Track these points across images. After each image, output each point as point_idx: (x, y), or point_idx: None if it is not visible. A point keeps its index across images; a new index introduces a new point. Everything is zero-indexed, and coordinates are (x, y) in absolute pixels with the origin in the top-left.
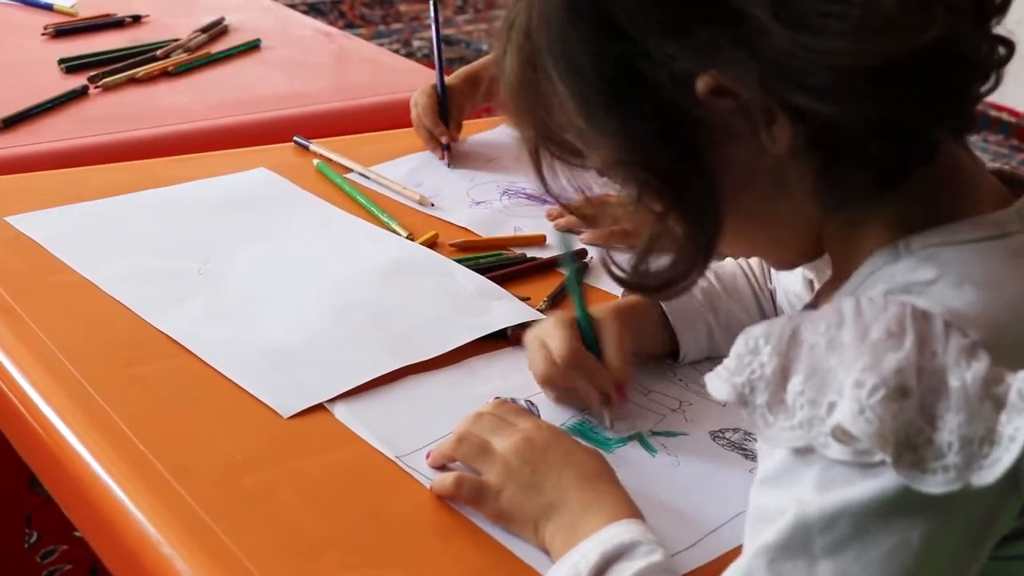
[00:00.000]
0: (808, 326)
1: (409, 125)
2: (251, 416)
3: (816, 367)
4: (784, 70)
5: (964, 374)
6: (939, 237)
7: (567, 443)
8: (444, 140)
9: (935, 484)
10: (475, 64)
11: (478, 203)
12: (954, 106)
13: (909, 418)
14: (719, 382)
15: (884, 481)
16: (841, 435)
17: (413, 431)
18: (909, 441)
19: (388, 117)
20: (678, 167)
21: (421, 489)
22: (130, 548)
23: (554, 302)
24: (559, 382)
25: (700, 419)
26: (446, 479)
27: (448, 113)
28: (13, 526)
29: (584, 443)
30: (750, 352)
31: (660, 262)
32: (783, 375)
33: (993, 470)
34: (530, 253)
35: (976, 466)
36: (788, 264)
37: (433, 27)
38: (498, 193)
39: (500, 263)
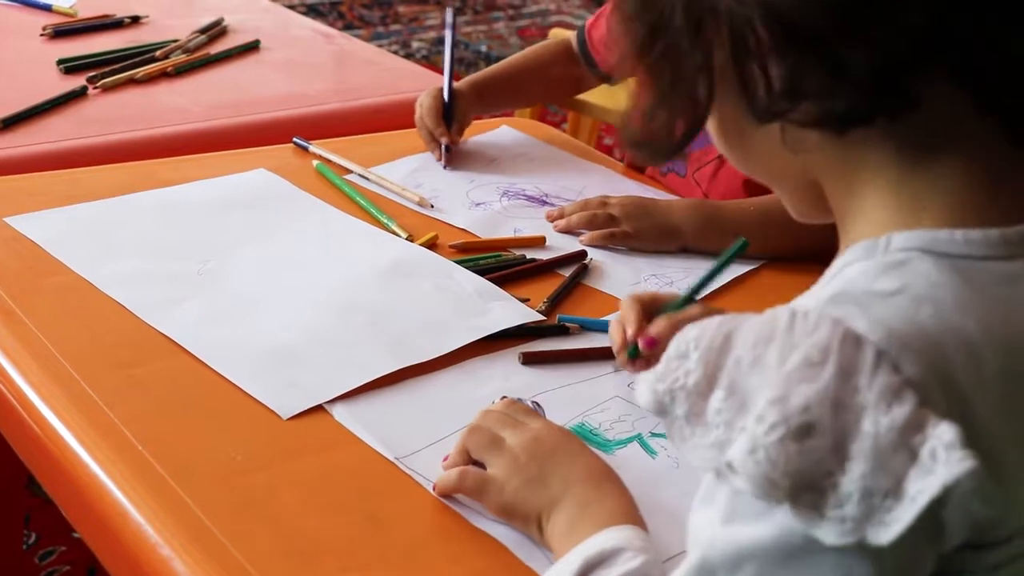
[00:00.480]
0: (741, 335)
1: (408, 126)
2: (250, 417)
3: (737, 385)
4: None
5: (880, 419)
6: (922, 242)
7: (576, 444)
8: (444, 141)
9: (830, 533)
10: (483, 73)
11: (478, 204)
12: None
13: (817, 457)
14: (644, 387)
15: (788, 520)
16: (733, 470)
17: (413, 433)
18: (813, 482)
19: (387, 118)
20: (660, 25)
21: (421, 491)
22: (129, 550)
23: (554, 304)
24: (615, 322)
25: None
26: (450, 474)
27: (452, 117)
28: (12, 527)
29: (589, 448)
30: (679, 356)
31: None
32: (707, 386)
33: (890, 529)
34: (530, 254)
35: (876, 520)
36: (797, 211)
37: (448, 33)
38: (498, 194)
39: (500, 264)
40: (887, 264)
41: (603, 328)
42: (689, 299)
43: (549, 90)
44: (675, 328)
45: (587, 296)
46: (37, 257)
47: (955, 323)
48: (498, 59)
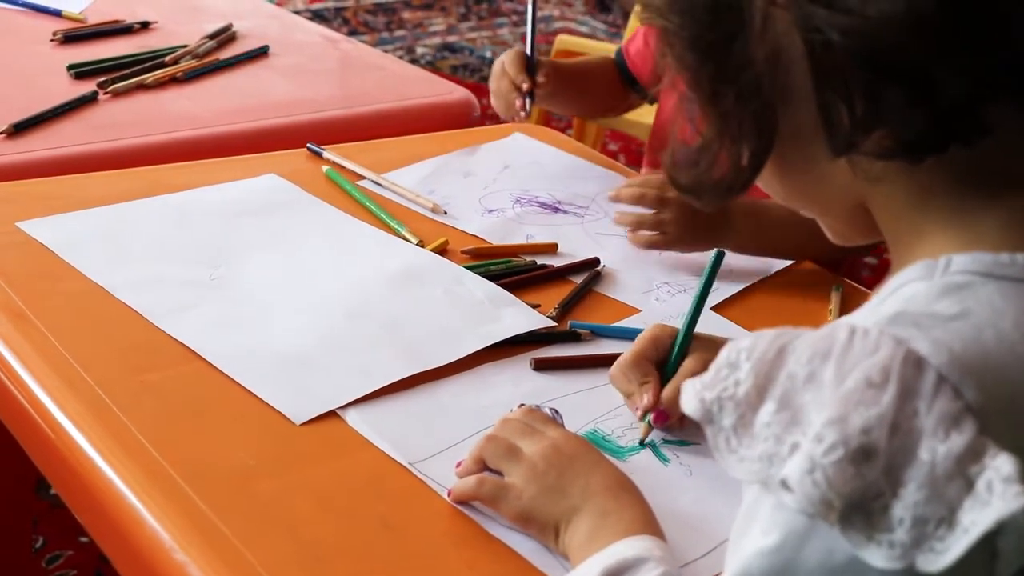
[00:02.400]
0: (796, 349)
1: (419, 131)
2: (264, 422)
3: (790, 399)
4: None
5: (937, 447)
6: (983, 265)
7: (594, 454)
8: (526, 87)
9: (878, 557)
10: (558, 60)
11: (491, 211)
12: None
13: (871, 480)
14: (690, 394)
15: (833, 539)
16: (787, 488)
17: (425, 438)
18: (864, 504)
19: (397, 124)
20: (722, 57)
21: (435, 497)
22: (144, 554)
23: (565, 310)
24: (617, 383)
25: None
26: (468, 480)
27: (535, 68)
28: (20, 531)
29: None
30: (729, 365)
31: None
32: (757, 398)
33: (941, 558)
34: (542, 261)
35: (926, 547)
36: (839, 234)
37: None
38: (510, 201)
39: (510, 270)
40: (947, 286)
41: (615, 334)
42: (687, 338)
43: (605, 102)
44: None
45: (599, 303)
46: (49, 262)
47: (1018, 350)
48: None
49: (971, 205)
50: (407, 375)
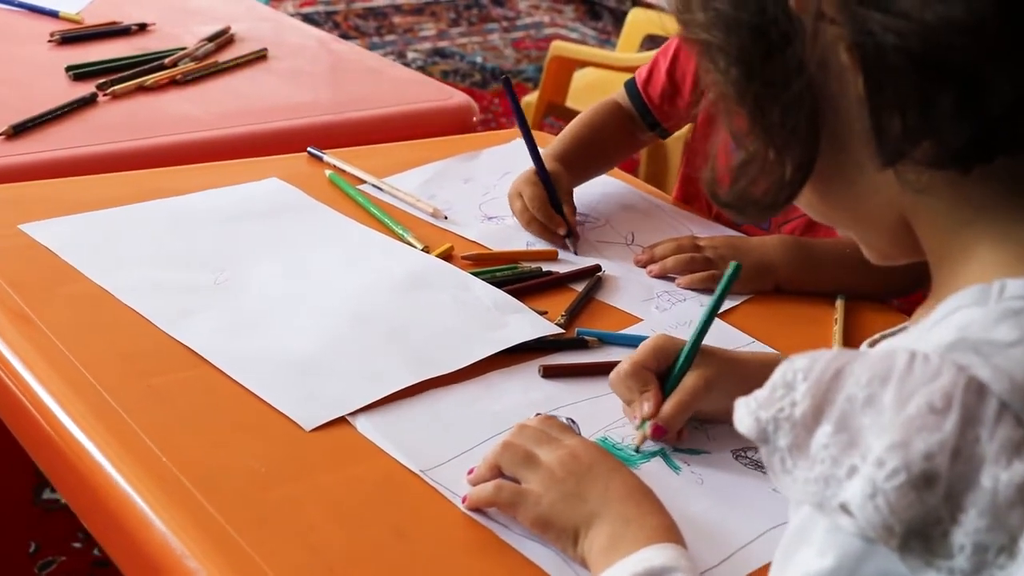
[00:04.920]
0: (854, 371)
1: (417, 136)
2: (273, 429)
3: (848, 422)
4: None
5: (1000, 474)
6: None
7: (612, 461)
8: (563, 231)
9: None
10: (562, 144)
11: (490, 218)
12: None
13: (930, 506)
14: (744, 412)
15: (890, 563)
16: (847, 512)
17: (436, 445)
18: (923, 529)
19: (395, 129)
20: (767, 71)
21: (447, 504)
22: (154, 561)
23: (571, 317)
24: (617, 390)
25: (722, 437)
26: (485, 487)
27: (559, 199)
28: (17, 537)
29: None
30: (785, 385)
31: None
32: (814, 419)
33: None
34: (543, 267)
35: (986, 575)
36: (880, 254)
37: (515, 107)
38: (510, 209)
39: (516, 276)
40: (1004, 312)
41: (621, 342)
42: (693, 351)
43: (622, 154)
44: (682, 412)
45: (600, 310)
46: (52, 265)
47: None
48: (493, 71)
49: (1020, 221)
50: (416, 381)
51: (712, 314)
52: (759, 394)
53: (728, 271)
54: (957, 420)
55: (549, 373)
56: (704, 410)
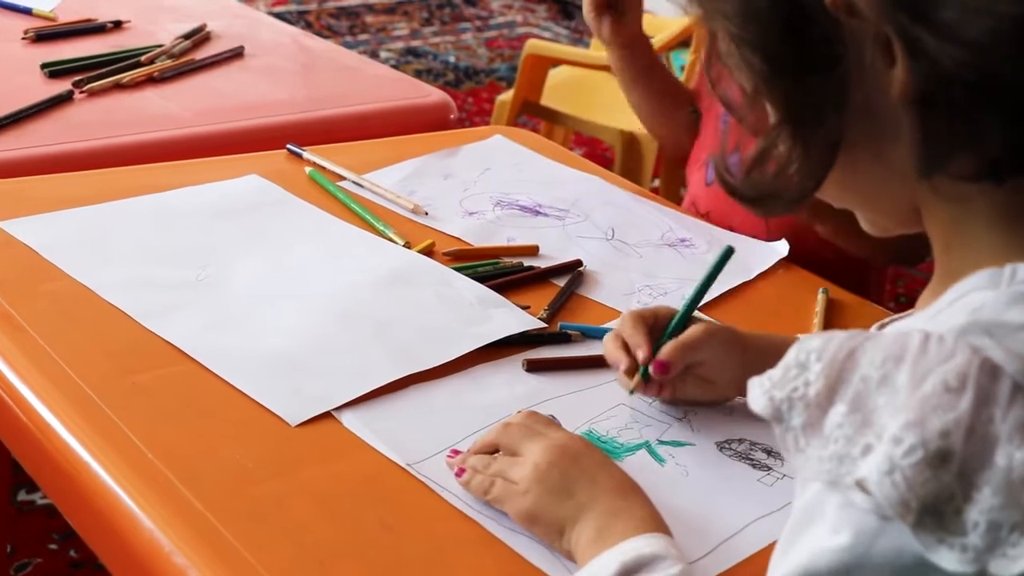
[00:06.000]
0: (867, 351)
1: (396, 133)
2: (258, 425)
3: (862, 402)
4: None
5: (1014, 453)
6: None
7: (598, 454)
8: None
9: (950, 560)
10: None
11: (471, 213)
12: None
13: (944, 483)
14: (758, 392)
15: (903, 539)
16: (863, 489)
17: (423, 439)
18: (936, 507)
19: (374, 126)
20: (796, 64)
21: (434, 498)
22: (143, 559)
23: (554, 312)
24: (610, 340)
25: (706, 429)
26: (477, 481)
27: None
28: None
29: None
30: (799, 366)
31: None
32: (827, 399)
33: (1015, 563)
34: (524, 263)
35: (999, 552)
36: (880, 227)
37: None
38: (491, 204)
39: (498, 272)
40: (1015, 296)
41: (604, 336)
42: (687, 314)
43: (664, 102)
44: (684, 351)
45: (581, 305)
46: (33, 262)
47: None
48: (467, 70)
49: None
50: (401, 376)
51: (706, 285)
52: (772, 374)
53: (720, 252)
54: (972, 399)
55: (533, 367)
56: (690, 392)
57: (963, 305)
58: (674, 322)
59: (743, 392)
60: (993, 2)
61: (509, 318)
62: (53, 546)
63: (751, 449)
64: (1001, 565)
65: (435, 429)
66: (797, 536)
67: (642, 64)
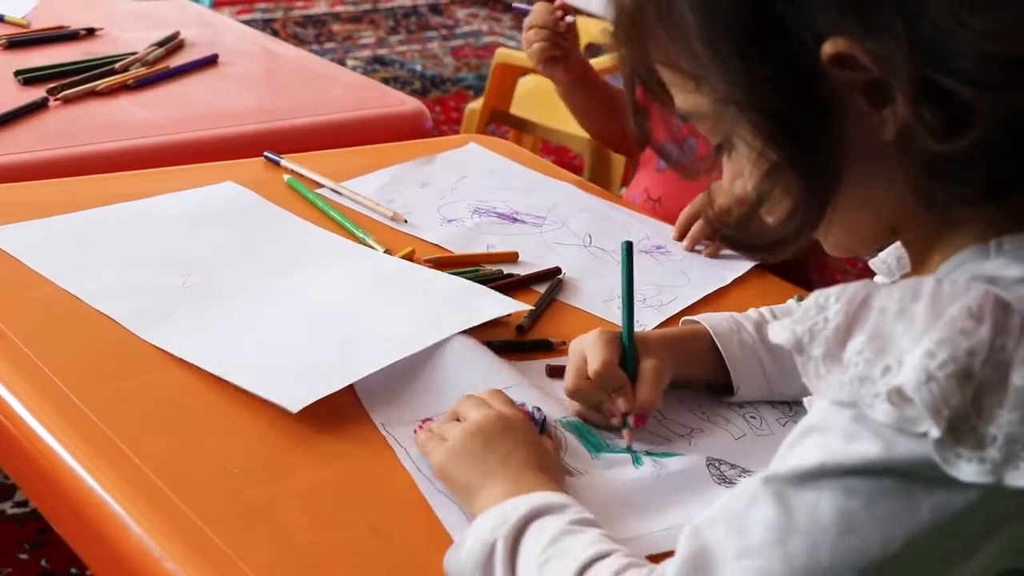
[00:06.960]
0: (882, 293)
1: (372, 141)
2: (244, 429)
3: (880, 331)
4: (933, 47)
5: None
6: None
7: (532, 436)
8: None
9: (968, 472)
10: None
11: (450, 221)
12: None
13: (966, 399)
14: (780, 327)
15: (915, 448)
16: (895, 398)
17: (402, 405)
18: (955, 423)
19: (349, 134)
20: (800, 120)
21: (423, 503)
22: (132, 566)
23: (534, 319)
24: (586, 395)
25: (704, 446)
26: (420, 433)
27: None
28: None
29: (552, 452)
30: (818, 307)
31: (769, 220)
32: (846, 333)
33: None
34: (504, 270)
35: (1013, 465)
36: (847, 251)
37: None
38: (469, 211)
39: (479, 279)
40: (1006, 259)
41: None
42: (631, 328)
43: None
44: (657, 392)
45: (560, 311)
46: (15, 270)
47: None
48: (433, 79)
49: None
50: (394, 360)
51: (630, 298)
52: (796, 314)
53: (623, 250)
54: (991, 327)
55: (554, 373)
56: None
57: (961, 272)
58: (626, 342)
59: (705, 379)
60: (999, 46)
61: (494, 303)
62: (24, 555)
63: (740, 475)
64: (1017, 476)
65: (416, 400)
66: (800, 439)
67: (589, 91)
